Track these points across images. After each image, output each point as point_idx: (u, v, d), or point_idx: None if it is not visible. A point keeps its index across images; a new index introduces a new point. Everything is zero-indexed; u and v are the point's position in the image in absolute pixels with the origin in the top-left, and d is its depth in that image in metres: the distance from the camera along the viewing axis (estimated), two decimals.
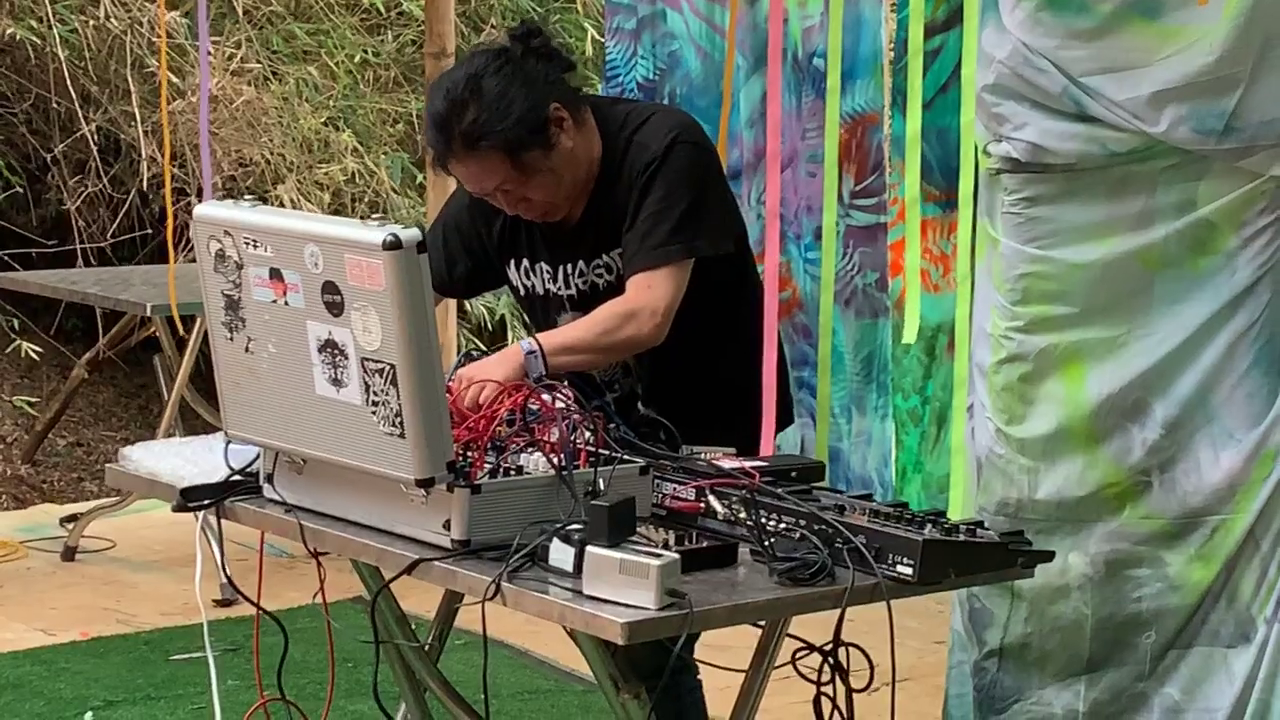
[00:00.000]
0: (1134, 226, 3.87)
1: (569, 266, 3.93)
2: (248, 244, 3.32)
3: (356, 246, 3.16)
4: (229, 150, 8.86)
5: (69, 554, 6.64)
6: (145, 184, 8.64)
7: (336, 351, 3.25)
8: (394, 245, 3.12)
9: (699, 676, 3.99)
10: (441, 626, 4.02)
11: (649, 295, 3.74)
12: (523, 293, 4.03)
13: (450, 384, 3.56)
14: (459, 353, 4.22)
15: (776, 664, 3.45)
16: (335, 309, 3.22)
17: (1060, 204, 3.88)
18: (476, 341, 8.50)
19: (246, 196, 3.43)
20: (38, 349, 8.47)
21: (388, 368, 3.17)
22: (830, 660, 3.43)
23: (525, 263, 3.98)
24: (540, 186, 3.81)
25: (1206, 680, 3.92)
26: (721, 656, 3.61)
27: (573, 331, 3.77)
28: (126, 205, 8.88)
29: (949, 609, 4.19)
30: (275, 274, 3.29)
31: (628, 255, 3.80)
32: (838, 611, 3.20)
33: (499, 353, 3.70)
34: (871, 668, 3.44)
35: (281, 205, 8.87)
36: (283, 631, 3.74)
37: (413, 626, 3.95)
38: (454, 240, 4.03)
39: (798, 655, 3.46)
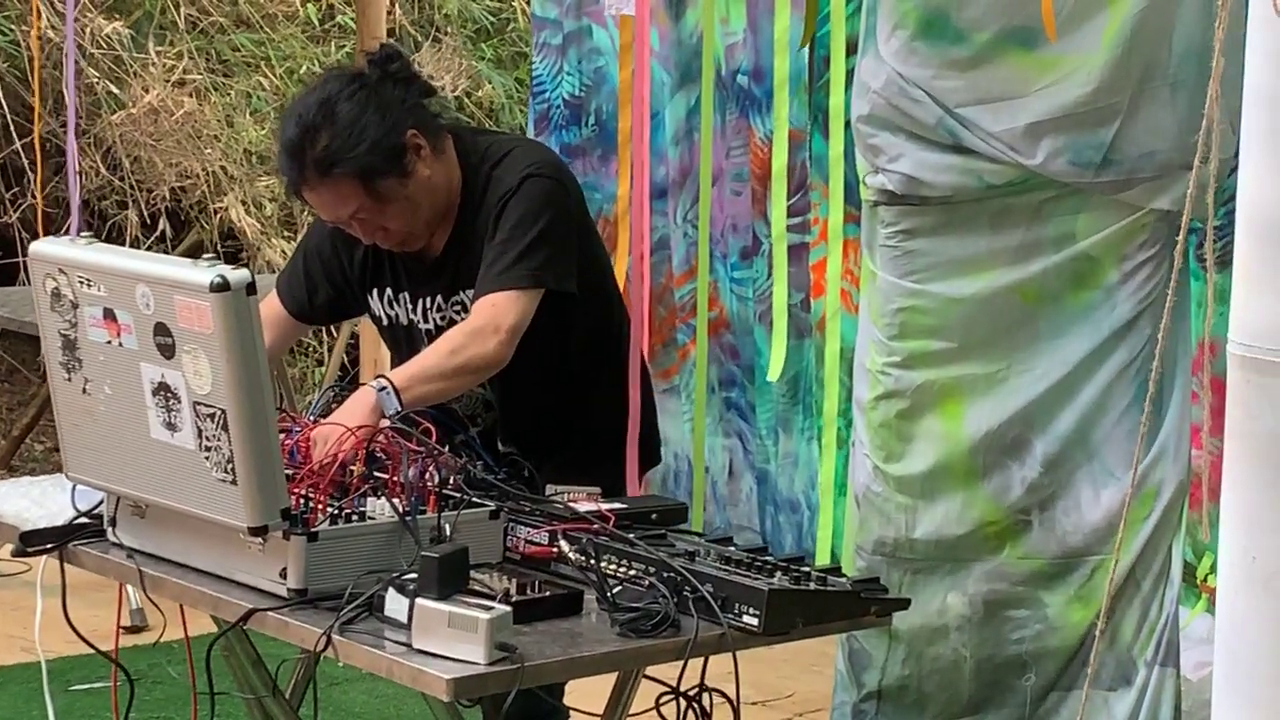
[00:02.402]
0: (1013, 260, 3.79)
1: (427, 300, 3.83)
2: (82, 283, 3.24)
3: (185, 288, 3.07)
4: (171, 162, 8.77)
5: None
6: (83, 195, 8.54)
7: (170, 395, 3.16)
8: (221, 287, 3.03)
9: None
10: (308, 667, 3.92)
11: (492, 313, 3.63)
12: (385, 322, 3.93)
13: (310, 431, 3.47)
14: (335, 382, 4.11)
15: (634, 711, 3.37)
16: (167, 351, 3.13)
17: (938, 237, 3.79)
18: None
19: (83, 234, 3.35)
20: None
21: (219, 412, 3.09)
22: (694, 705, 3.35)
23: (389, 291, 3.89)
24: (397, 215, 3.72)
25: None
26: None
27: (420, 360, 3.65)
28: (70, 218, 8.78)
29: None
30: (109, 314, 3.21)
31: (477, 285, 3.71)
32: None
33: (350, 399, 3.58)
34: (736, 710, 3.35)
35: (226, 218, 8.81)
36: (129, 680, 3.68)
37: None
38: (315, 268, 3.93)
39: (661, 700, 3.38)
